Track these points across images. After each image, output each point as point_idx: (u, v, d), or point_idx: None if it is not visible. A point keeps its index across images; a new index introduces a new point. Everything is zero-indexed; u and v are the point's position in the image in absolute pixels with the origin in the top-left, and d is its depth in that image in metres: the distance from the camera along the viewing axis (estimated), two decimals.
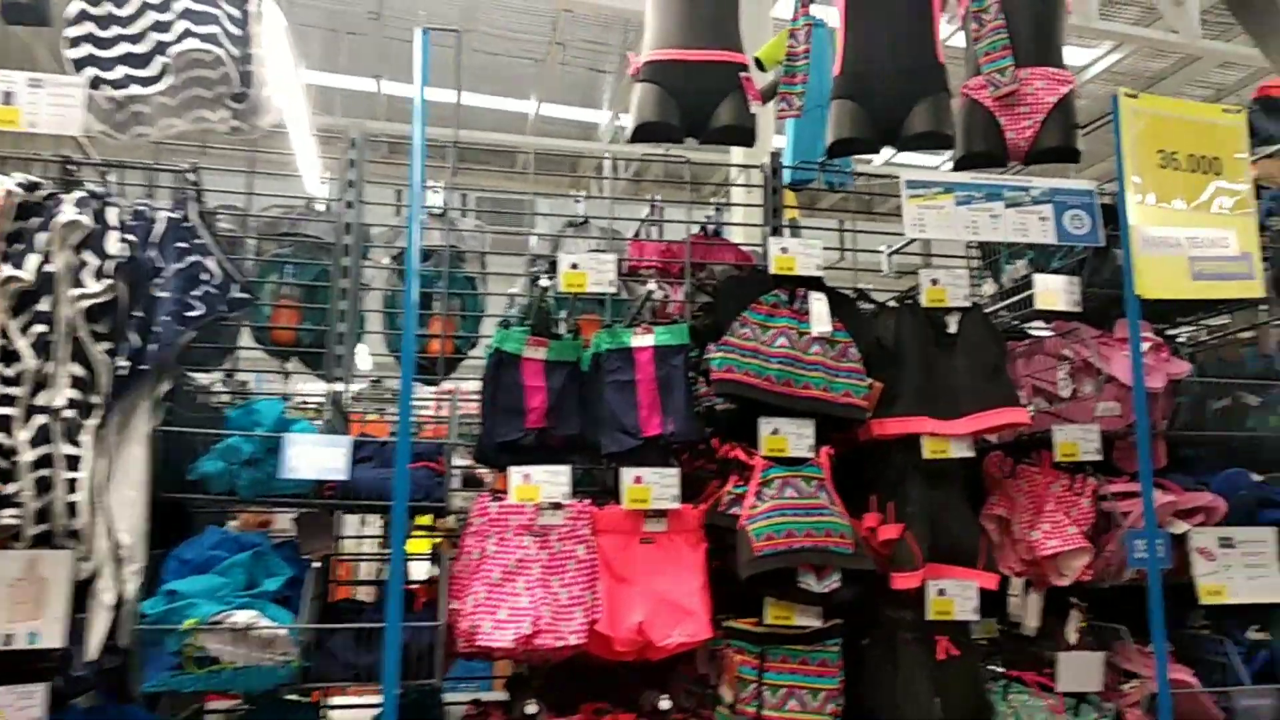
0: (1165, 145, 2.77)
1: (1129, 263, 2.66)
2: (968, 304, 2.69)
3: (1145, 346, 2.74)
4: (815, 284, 2.63)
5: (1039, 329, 3.31)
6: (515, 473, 2.37)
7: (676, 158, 3.48)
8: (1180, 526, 2.66)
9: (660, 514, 2.46)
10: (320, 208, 3.17)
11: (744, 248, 3.41)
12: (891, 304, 2.84)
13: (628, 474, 2.43)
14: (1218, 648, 2.77)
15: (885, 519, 2.59)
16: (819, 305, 2.58)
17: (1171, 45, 9.06)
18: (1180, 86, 11.39)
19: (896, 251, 3.45)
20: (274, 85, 2.60)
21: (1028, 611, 2.80)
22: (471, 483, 3.65)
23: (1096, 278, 2.88)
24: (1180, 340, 3.58)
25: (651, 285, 2.72)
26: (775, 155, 3.17)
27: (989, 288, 3.29)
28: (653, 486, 2.42)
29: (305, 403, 3.76)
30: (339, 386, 2.77)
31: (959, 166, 3.00)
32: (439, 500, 2.43)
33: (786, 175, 3.48)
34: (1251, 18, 5.34)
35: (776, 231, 3.12)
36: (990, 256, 3.30)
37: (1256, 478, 2.86)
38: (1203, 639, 2.84)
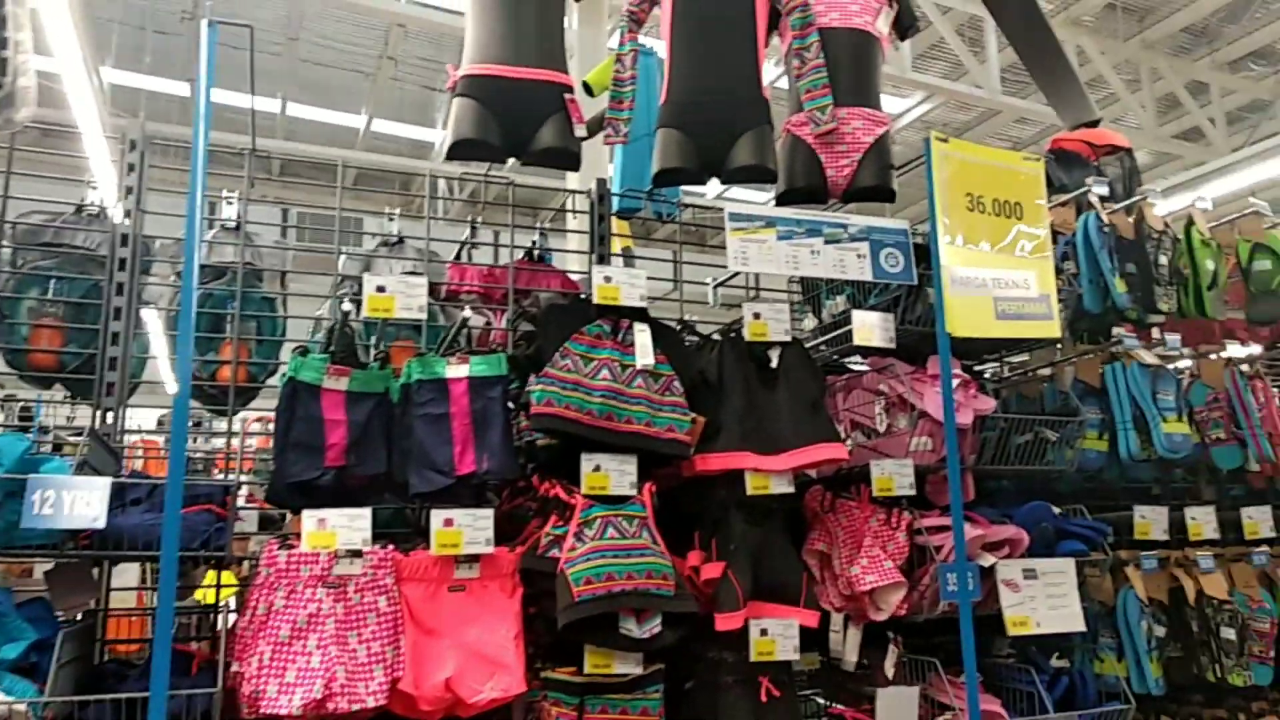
0: (972, 189, 2.86)
1: (941, 301, 2.72)
2: (788, 338, 2.67)
3: (955, 383, 2.81)
4: (640, 315, 2.54)
5: (858, 364, 3.36)
6: (309, 517, 2.13)
7: (500, 178, 3.33)
8: (988, 559, 2.72)
9: (473, 559, 2.28)
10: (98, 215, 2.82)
11: (572, 276, 3.30)
12: (716, 337, 2.79)
13: (437, 516, 2.23)
14: (1024, 677, 2.85)
15: (709, 557, 2.51)
16: (643, 337, 2.48)
17: (975, 99, 9.73)
18: (982, 139, 12.26)
19: (721, 284, 3.43)
20: (34, 76, 2.28)
21: (847, 647, 2.79)
22: (274, 526, 3.33)
23: (910, 315, 2.93)
24: (986, 377, 3.74)
25: (468, 312, 2.55)
26: (602, 182, 3.08)
27: (810, 322, 3.31)
28: (464, 529, 2.23)
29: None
30: (108, 417, 2.44)
31: (781, 201, 3.01)
32: (219, 548, 2.15)
33: (616, 203, 3.41)
34: (1044, 76, 5.75)
35: (602, 260, 3.02)
36: (811, 292, 3.33)
37: (1056, 510, 2.98)
38: (1009, 668, 2.92)
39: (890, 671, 2.72)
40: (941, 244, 2.76)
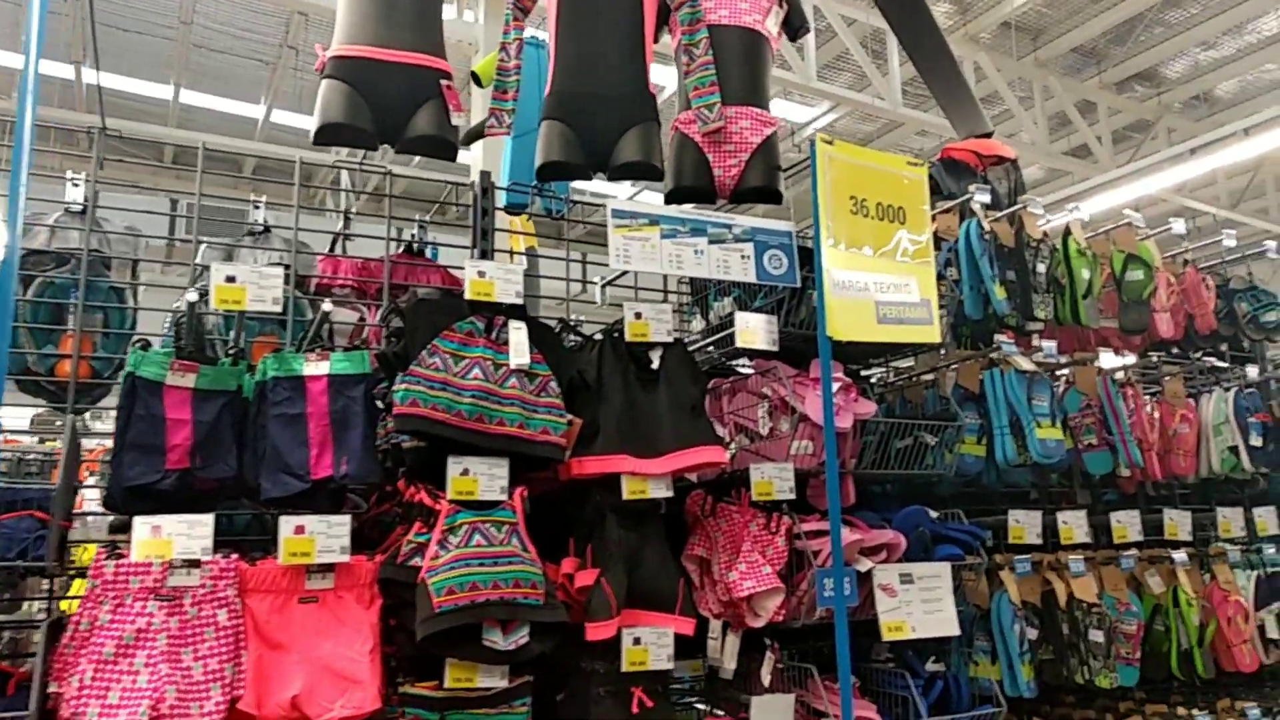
0: (856, 193, 2.84)
1: (822, 304, 2.69)
2: (670, 339, 2.60)
3: (836, 387, 2.78)
4: (516, 313, 2.43)
5: (747, 367, 3.32)
6: (141, 524, 1.96)
7: (378, 168, 3.16)
8: (865, 564, 2.70)
9: (327, 568, 2.14)
10: None
11: (456, 271, 3.16)
12: (599, 337, 2.70)
13: (287, 523, 2.08)
14: (899, 681, 2.84)
15: (583, 564, 2.42)
16: (518, 335, 2.38)
17: (878, 110, 9.91)
18: (884, 149, 12.51)
19: (609, 283, 3.34)
20: None
21: (725, 654, 2.73)
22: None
23: (794, 318, 2.90)
24: (873, 381, 3.75)
25: (328, 305, 2.40)
26: (486, 175, 2.96)
27: (698, 324, 3.26)
28: (317, 537, 2.09)
29: None
30: None
31: (670, 200, 2.95)
32: (38, 558, 1.96)
33: (504, 198, 3.29)
34: (939, 88, 5.85)
35: (484, 255, 2.90)
36: (699, 293, 3.27)
37: (933, 514, 2.98)
38: (886, 673, 2.90)
39: (766, 679, 2.67)
40: (824, 247, 2.73)
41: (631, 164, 2.73)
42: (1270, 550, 3.63)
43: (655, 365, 2.58)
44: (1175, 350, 4.12)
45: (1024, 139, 11.23)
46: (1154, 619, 3.36)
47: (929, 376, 3.49)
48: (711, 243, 2.68)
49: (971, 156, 4.32)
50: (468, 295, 2.35)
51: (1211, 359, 3.89)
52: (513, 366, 2.34)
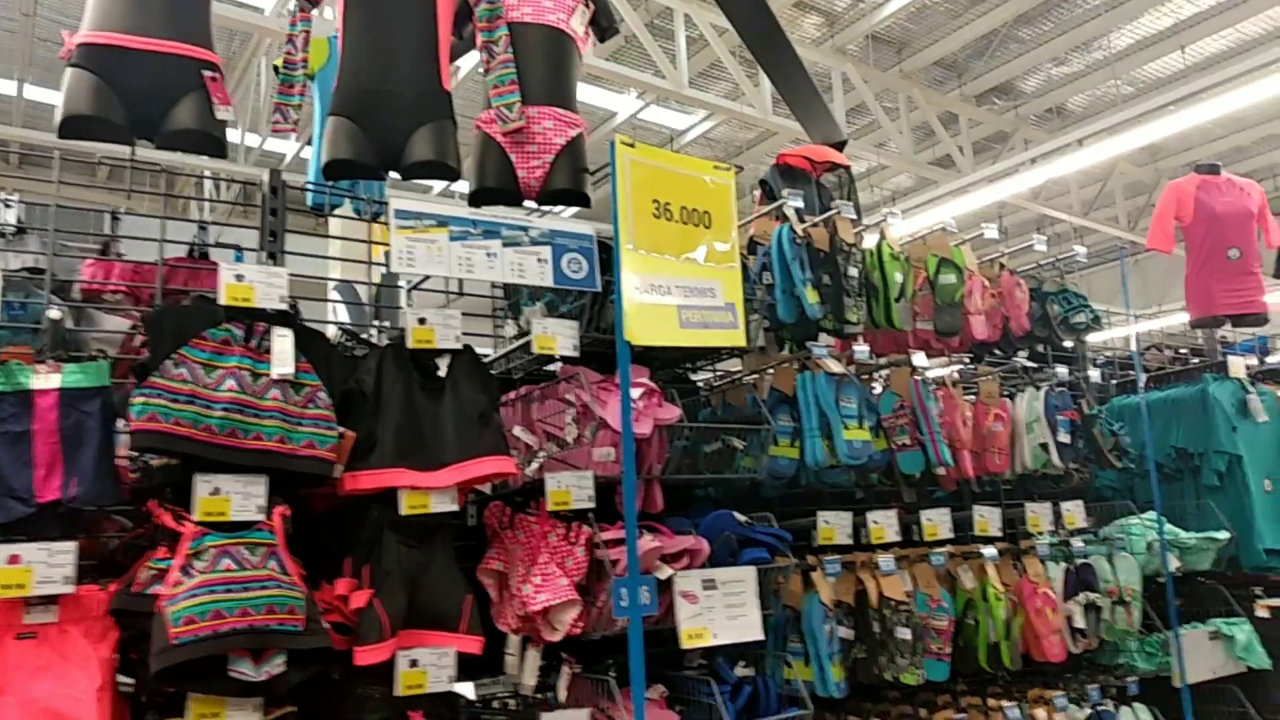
0: (660, 196, 2.78)
1: (620, 309, 2.62)
2: (458, 345, 2.49)
3: (638, 393, 2.72)
4: (282, 318, 2.28)
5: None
6: None
7: (148, 164, 2.94)
8: (665, 571, 2.64)
9: (49, 600, 1.94)
10: None
11: None
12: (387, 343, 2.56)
13: (1, 552, 1.88)
14: (706, 689, 2.79)
15: (359, 584, 2.28)
16: (282, 343, 2.22)
17: (749, 118, 10.00)
18: (761, 157, 12.70)
19: (415, 287, 3.21)
20: None
21: (525, 670, 2.63)
22: None
23: (600, 322, 2.83)
24: (699, 384, 3.72)
25: (54, 313, 2.20)
26: (275, 173, 2.78)
27: (511, 329, 3.15)
28: (36, 567, 1.90)
29: None
30: None
31: (473, 201, 2.84)
32: None
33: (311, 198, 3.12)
34: (793, 97, 5.91)
35: (273, 257, 2.73)
36: (512, 297, 3.17)
37: (741, 518, 2.95)
38: (693, 681, 2.85)
39: (562, 694, 2.59)
40: (624, 250, 2.66)
41: (424, 163, 2.61)
42: (1078, 543, 3.74)
43: (442, 373, 2.46)
44: (998, 352, 4.23)
45: (892, 149, 11.54)
46: (966, 614, 3.41)
47: (751, 379, 3.47)
48: (505, 245, 2.57)
49: (805, 162, 4.34)
50: (222, 300, 2.18)
51: (1022, 360, 4.00)
52: (274, 376, 2.19)
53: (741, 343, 2.87)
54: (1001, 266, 4.01)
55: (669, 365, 3.35)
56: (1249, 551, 4.30)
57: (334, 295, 4.76)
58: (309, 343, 2.30)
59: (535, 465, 2.83)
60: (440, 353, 2.46)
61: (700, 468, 2.91)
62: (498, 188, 2.80)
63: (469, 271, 2.50)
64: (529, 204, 2.88)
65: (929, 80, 11.70)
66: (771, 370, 3.35)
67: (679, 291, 2.78)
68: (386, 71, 2.59)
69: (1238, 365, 4.54)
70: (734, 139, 13.07)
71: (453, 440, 2.38)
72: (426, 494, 2.33)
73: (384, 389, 2.37)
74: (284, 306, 2.25)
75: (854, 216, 3.58)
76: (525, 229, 2.62)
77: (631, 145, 2.77)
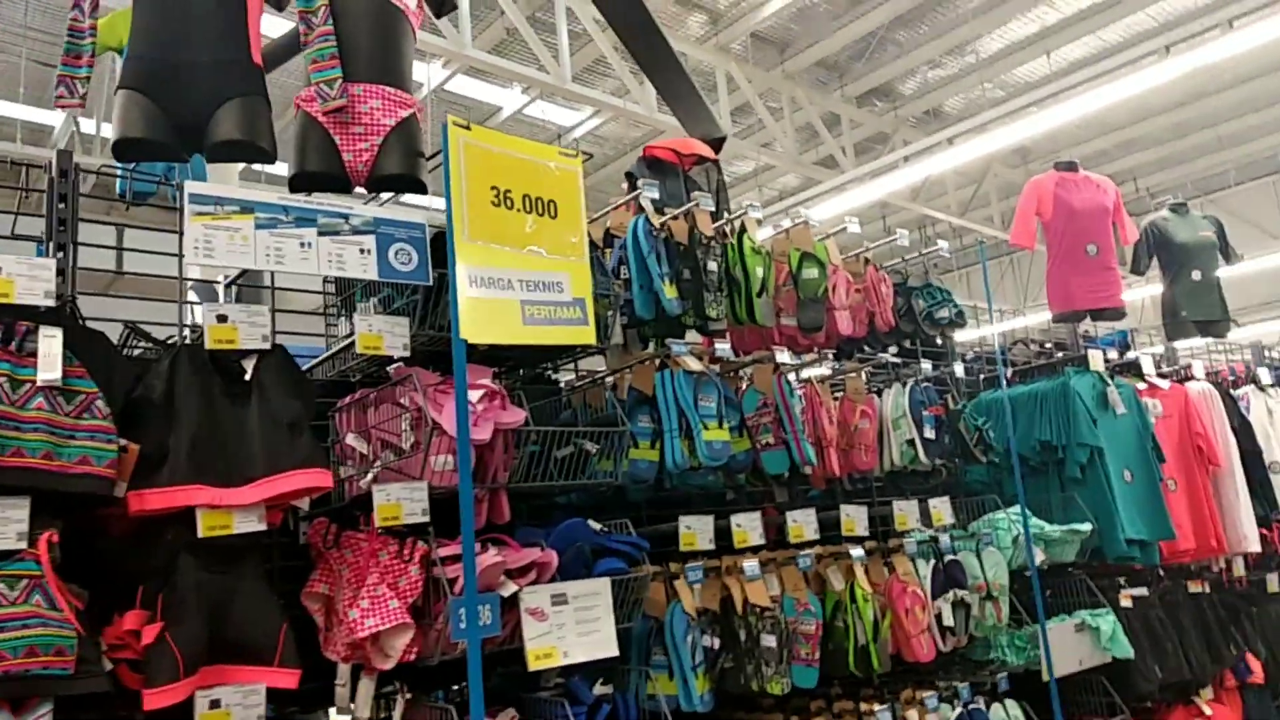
0: (500, 183, 2.61)
1: (455, 305, 2.44)
2: (267, 345, 2.27)
3: (477, 395, 2.55)
4: (52, 316, 2.02)
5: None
6: None
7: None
8: (510, 587, 2.47)
9: None
10: None
11: None
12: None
13: None
14: (560, 710, 2.64)
15: (152, 617, 2.04)
16: (49, 344, 1.96)
17: (635, 115, 9.92)
18: None
19: (234, 282, 2.94)
20: None
21: (359, 701, 2.42)
22: None
23: (439, 319, 2.64)
24: (561, 384, 3.56)
25: None
26: (65, 155, 2.50)
27: (345, 327, 2.93)
28: None
29: None
30: None
31: (294, 187, 2.61)
32: None
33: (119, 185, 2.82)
34: (670, 94, 5.83)
35: (61, 249, 2.44)
36: (346, 292, 2.95)
37: (596, 526, 2.81)
38: (546, 703, 2.69)
39: None
40: (459, 241, 2.48)
41: (229, 143, 2.38)
42: (946, 540, 3.75)
43: (249, 377, 2.24)
44: (867, 349, 4.22)
45: (777, 149, 11.66)
46: (835, 616, 3.36)
47: (613, 379, 3.34)
48: (322, 234, 2.36)
49: (672, 155, 4.25)
50: None
51: (888, 356, 3.99)
52: (40, 383, 1.93)
53: (591, 340, 2.72)
54: (867, 262, 3.99)
55: (527, 364, 3.19)
56: (1111, 542, 4.40)
57: (191, 296, 4.42)
58: (86, 344, 2.04)
59: (370, 476, 2.63)
60: (246, 354, 2.24)
61: (553, 474, 2.75)
62: (320, 172, 2.58)
63: (279, 264, 2.28)
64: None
65: (811, 81, 11.88)
66: (632, 369, 3.22)
67: (521, 285, 2.61)
68: (183, 39, 2.35)
69: (1097, 359, 4.66)
70: (623, 136, 13.00)
71: (259, 452, 2.16)
72: (229, 513, 2.10)
73: (177, 396, 2.13)
74: (51, 302, 1.99)
75: (712, 209, 3.49)
76: (345, 216, 2.41)
77: (467, 127, 2.59)
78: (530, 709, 2.68)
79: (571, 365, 3.60)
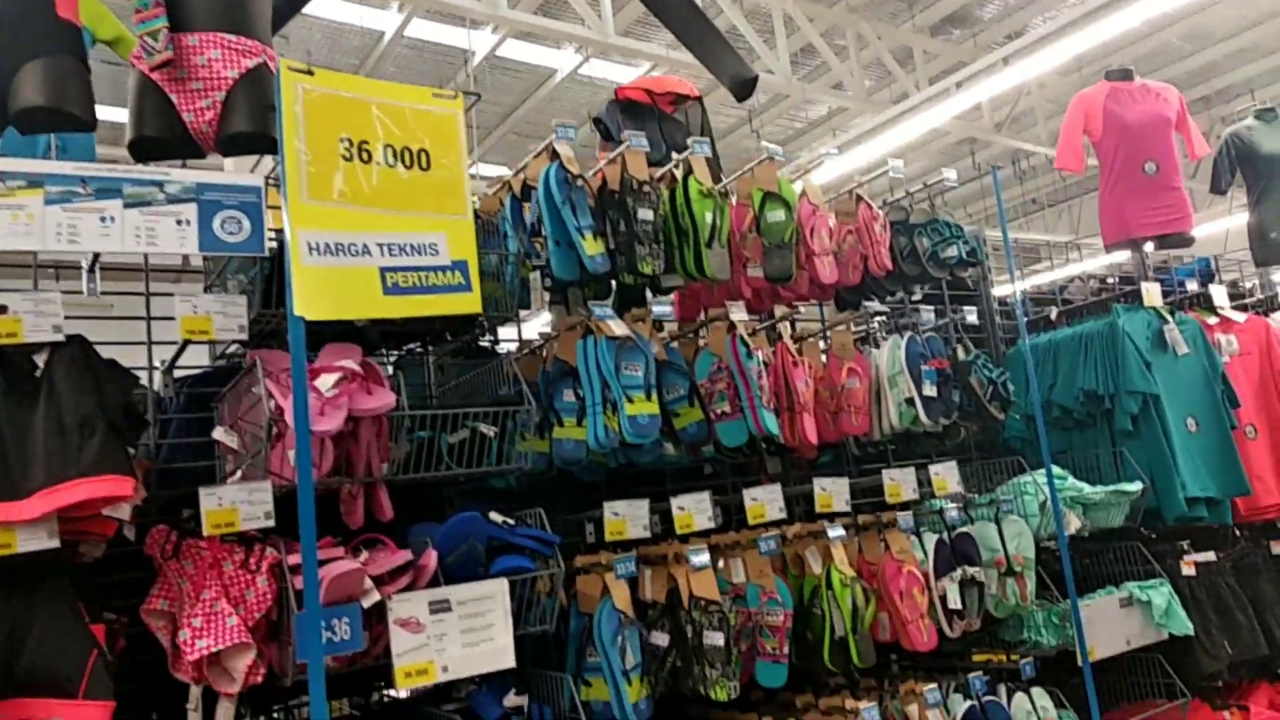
0: (352, 133, 2.20)
1: (290, 277, 2.06)
2: (60, 337, 1.94)
3: (333, 379, 2.17)
4: None
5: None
6: None
7: None
8: (373, 596, 2.10)
9: None
10: None
11: None
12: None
13: None
14: None
15: None
16: None
17: (693, 67, 9.28)
18: (712, 106, 12.01)
19: (96, 264, 2.64)
20: None
21: None
22: None
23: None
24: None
25: None
26: None
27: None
28: None
29: None
30: None
31: (135, 154, 2.28)
32: None
33: None
34: (683, 32, 5.27)
35: None
36: (218, 270, 2.61)
37: (498, 519, 2.41)
38: (447, 716, 2.34)
39: None
40: (294, 203, 2.08)
41: (31, 110, 2.05)
42: (953, 511, 3.18)
43: (39, 374, 1.92)
44: (875, 297, 3.63)
45: (847, 91, 10.81)
46: (813, 603, 2.87)
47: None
48: (130, 206, 2.01)
49: (644, 95, 3.75)
50: None
51: (875, 304, 3.40)
52: None
53: (475, 308, 2.30)
54: (859, 199, 3.40)
55: (434, 341, 2.81)
56: (1170, 502, 3.72)
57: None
58: None
59: (238, 474, 2.30)
60: (32, 347, 1.92)
61: (447, 463, 2.36)
62: (159, 136, 2.23)
63: (72, 242, 1.94)
64: None
65: (878, 14, 10.91)
66: (556, 338, 2.79)
67: (382, 250, 2.21)
68: None
69: (1153, 293, 3.93)
70: None
71: (45, 458, 1.84)
72: (11, 530, 1.79)
73: None
74: None
75: (708, 154, 3.00)
76: (160, 184, 2.06)
77: (309, 73, 2.18)
78: None
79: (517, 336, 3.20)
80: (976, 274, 4.41)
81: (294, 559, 2.07)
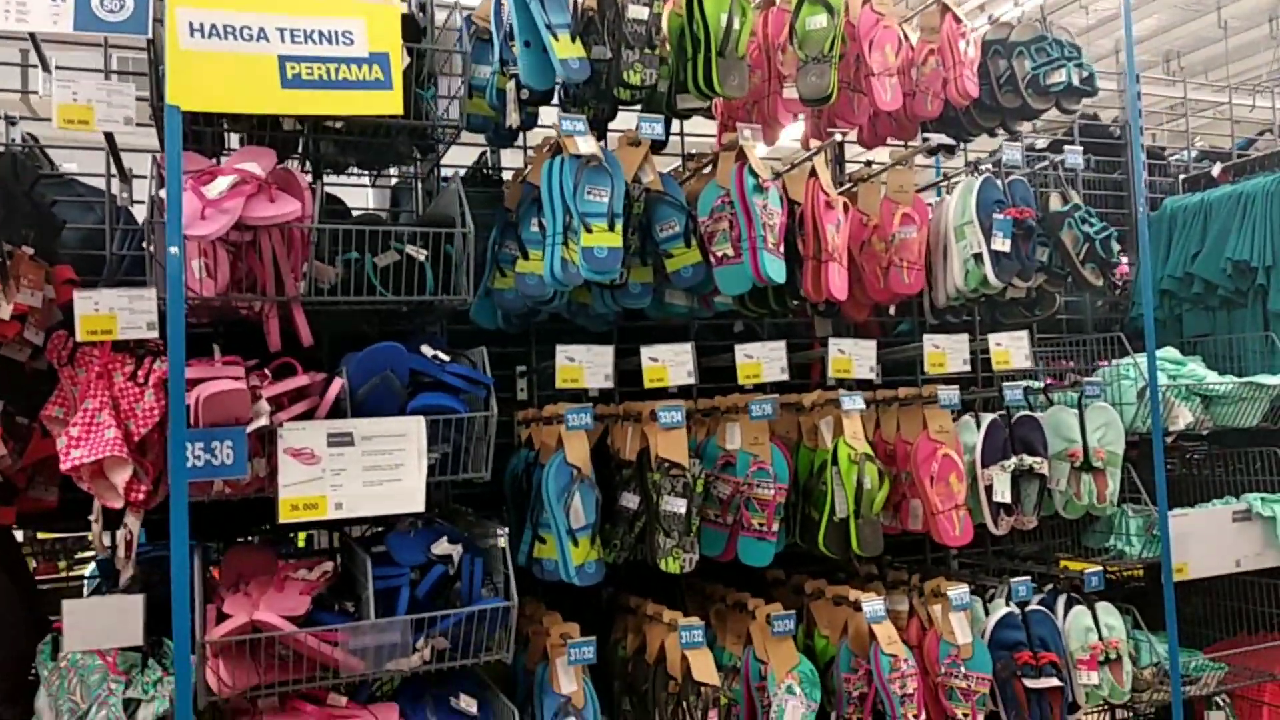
0: None
1: (164, 59, 1.74)
2: None
3: (226, 182, 1.86)
4: None
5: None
6: None
7: None
8: (262, 421, 1.84)
9: None
10: None
11: None
12: None
13: None
14: (378, 569, 2.02)
15: None
16: None
17: None
18: None
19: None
20: None
21: (120, 541, 1.96)
22: None
23: None
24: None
25: None
26: None
27: None
28: None
29: None
30: None
31: None
32: None
33: None
34: None
35: None
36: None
37: (429, 353, 2.06)
38: (366, 556, 2.08)
39: (127, 571, 1.90)
40: None
41: None
42: (1014, 391, 2.53)
43: None
44: (976, 130, 2.89)
45: None
46: (819, 479, 2.38)
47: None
48: None
49: None
50: None
51: (939, 139, 2.64)
52: None
53: (395, 109, 1.91)
54: (944, 9, 2.65)
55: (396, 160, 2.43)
56: None
57: None
58: None
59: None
60: None
61: (376, 288, 2.02)
62: None
63: None
64: None
65: None
66: (533, 158, 2.34)
67: (283, 36, 1.84)
68: None
69: None
70: None
71: None
72: None
73: None
74: None
75: None
76: None
77: None
78: (355, 563, 2.09)
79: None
80: (1123, 118, 3.51)
81: (191, 373, 1.84)
